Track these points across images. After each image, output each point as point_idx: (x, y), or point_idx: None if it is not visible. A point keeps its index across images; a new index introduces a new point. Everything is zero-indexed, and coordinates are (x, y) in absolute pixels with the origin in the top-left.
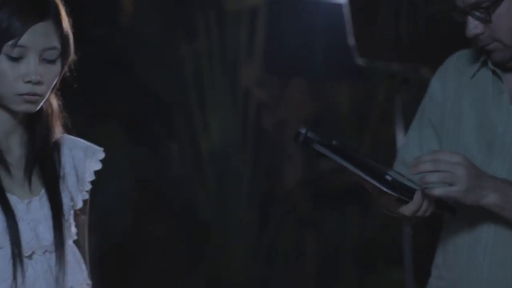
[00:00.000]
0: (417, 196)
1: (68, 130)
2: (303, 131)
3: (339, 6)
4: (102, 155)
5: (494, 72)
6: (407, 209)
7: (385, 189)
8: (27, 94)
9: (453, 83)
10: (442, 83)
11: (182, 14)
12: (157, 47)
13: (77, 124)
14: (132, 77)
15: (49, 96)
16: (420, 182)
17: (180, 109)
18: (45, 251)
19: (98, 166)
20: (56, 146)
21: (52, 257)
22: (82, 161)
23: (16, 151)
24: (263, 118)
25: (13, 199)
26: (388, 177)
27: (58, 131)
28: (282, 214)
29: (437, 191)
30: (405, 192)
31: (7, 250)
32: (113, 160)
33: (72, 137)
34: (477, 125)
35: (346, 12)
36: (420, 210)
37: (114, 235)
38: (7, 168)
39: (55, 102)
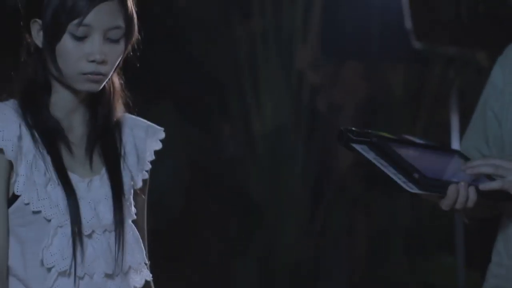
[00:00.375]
0: (451, 190)
1: (129, 109)
2: (342, 130)
3: None
4: (162, 135)
5: None
6: (443, 204)
7: (408, 189)
8: (91, 73)
9: None
10: (503, 71)
11: None
12: (211, 27)
13: (134, 106)
14: (186, 57)
15: (111, 75)
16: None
17: (234, 89)
18: (105, 230)
19: (159, 146)
20: (118, 125)
21: (112, 236)
22: (143, 140)
23: (77, 130)
24: (317, 99)
25: (74, 177)
26: (415, 175)
27: (119, 110)
28: (334, 195)
29: (494, 184)
30: (437, 188)
31: (67, 229)
32: (167, 140)
33: (133, 116)
34: None
35: None
36: (457, 203)
37: (167, 215)
38: (68, 146)
39: (117, 81)
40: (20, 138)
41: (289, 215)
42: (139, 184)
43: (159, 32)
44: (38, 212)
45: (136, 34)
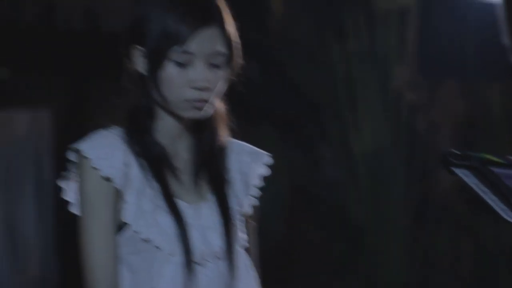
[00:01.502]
0: None
1: (233, 134)
2: (444, 154)
3: (492, 5)
4: (268, 159)
5: None
6: None
7: (508, 218)
8: (195, 100)
9: None
10: None
11: (331, 15)
12: (307, 49)
13: (236, 128)
14: (284, 79)
15: (215, 101)
16: None
17: (332, 111)
18: (216, 257)
19: (265, 170)
20: (223, 151)
21: (223, 263)
22: (248, 165)
23: (183, 156)
24: (416, 120)
25: (182, 204)
26: None
27: (224, 135)
28: (437, 216)
29: None
30: None
31: (178, 257)
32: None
33: (238, 141)
34: None
35: (500, 11)
36: None
37: (269, 238)
38: (175, 173)
39: (221, 106)
40: (127, 165)
41: (391, 237)
42: (247, 209)
43: (257, 55)
44: (148, 240)
45: (239, 59)
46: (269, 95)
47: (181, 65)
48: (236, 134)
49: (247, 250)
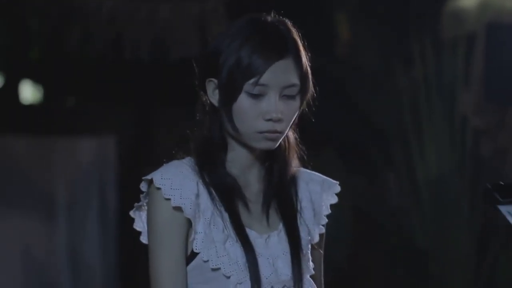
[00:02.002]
0: None
1: (303, 163)
2: (488, 188)
3: None
4: (338, 188)
5: None
6: None
7: None
8: (268, 131)
9: None
10: None
11: (398, 42)
12: (374, 75)
13: (306, 158)
14: (350, 106)
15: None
16: None
17: (397, 137)
18: (284, 286)
19: (335, 199)
20: (293, 180)
21: None
22: (318, 195)
23: (254, 186)
24: (482, 146)
25: (252, 234)
26: None
27: (295, 165)
28: (501, 243)
29: None
30: None
31: (247, 285)
32: None
33: (308, 170)
34: None
35: None
36: None
37: (334, 264)
38: (245, 203)
39: (291, 136)
40: (197, 196)
41: (455, 264)
42: (316, 238)
43: (324, 82)
44: (217, 269)
45: (311, 90)
46: (335, 121)
47: (254, 96)
48: (305, 163)
49: (313, 277)
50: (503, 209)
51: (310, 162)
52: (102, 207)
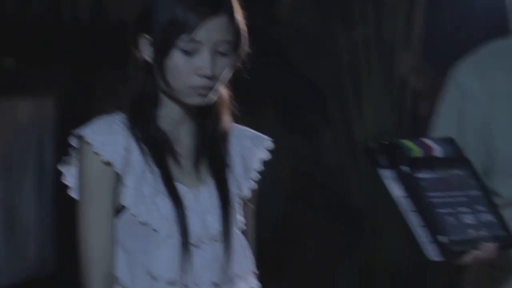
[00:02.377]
0: (480, 253)
1: (236, 119)
2: (371, 146)
3: None
4: (269, 144)
5: None
6: (468, 258)
7: (428, 254)
8: (201, 87)
9: (496, 80)
10: (480, 81)
11: (338, 2)
12: (313, 36)
13: (239, 114)
14: (289, 66)
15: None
16: None
17: (336, 97)
18: (213, 240)
19: (266, 155)
20: (225, 136)
21: (219, 246)
22: (249, 150)
23: (185, 142)
24: (420, 106)
25: (182, 188)
26: (441, 238)
27: (227, 121)
28: None
29: None
30: (459, 252)
31: (175, 239)
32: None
33: (240, 126)
34: None
35: None
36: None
37: (269, 222)
38: (176, 158)
39: (224, 92)
40: (128, 150)
41: (389, 221)
42: (246, 193)
43: (263, 43)
44: (147, 223)
45: (245, 47)
46: (273, 82)
47: (187, 53)
48: (238, 120)
49: (244, 232)
50: (384, 173)
51: (247, 120)
52: (40, 167)
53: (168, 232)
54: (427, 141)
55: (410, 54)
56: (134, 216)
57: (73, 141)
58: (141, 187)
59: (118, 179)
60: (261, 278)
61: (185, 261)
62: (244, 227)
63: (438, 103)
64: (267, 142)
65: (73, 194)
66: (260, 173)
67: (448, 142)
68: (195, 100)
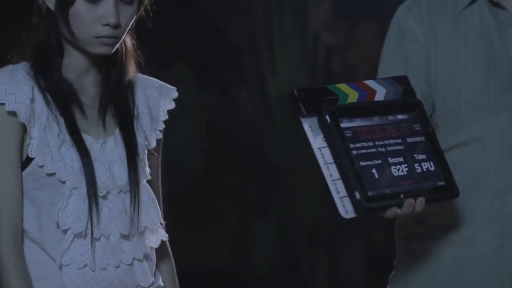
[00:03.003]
0: (402, 209)
1: (141, 69)
2: (295, 94)
3: None
4: (175, 94)
5: (495, 3)
6: (389, 213)
7: (342, 212)
8: (105, 36)
9: (434, 21)
10: (420, 22)
11: None
12: None
13: (147, 67)
14: (202, 20)
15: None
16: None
17: (249, 52)
18: (120, 191)
19: (172, 105)
20: (130, 85)
21: (127, 197)
22: (156, 100)
23: (90, 91)
24: (333, 62)
25: (88, 139)
26: (355, 194)
27: (132, 70)
28: None
29: None
30: (378, 209)
31: (82, 190)
32: (182, 102)
33: (145, 76)
34: (483, 65)
35: None
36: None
37: (184, 178)
38: (81, 108)
39: (129, 41)
40: (32, 100)
41: (307, 177)
42: (153, 144)
43: None
44: (53, 174)
45: None
46: (186, 35)
47: (91, 1)
48: (144, 70)
49: (150, 183)
50: (305, 123)
51: (162, 75)
52: None
53: (74, 182)
54: (370, 83)
55: (321, 10)
56: (40, 166)
57: None
58: (46, 137)
59: (23, 130)
60: (175, 233)
61: (93, 212)
62: (150, 177)
63: (383, 47)
64: (173, 92)
65: None
66: (175, 128)
67: (398, 82)
68: (99, 49)
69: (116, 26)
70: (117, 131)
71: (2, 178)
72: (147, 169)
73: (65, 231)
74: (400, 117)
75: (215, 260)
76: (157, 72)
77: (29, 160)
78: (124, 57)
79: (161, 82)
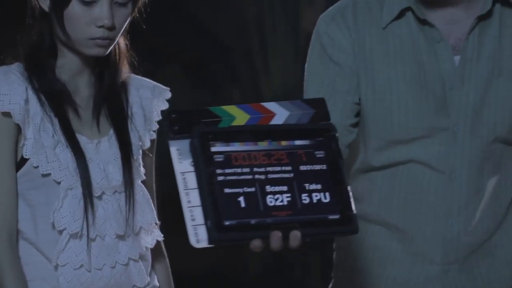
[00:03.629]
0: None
1: (134, 70)
2: (171, 115)
3: None
4: (169, 94)
5: (422, 21)
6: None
7: (193, 241)
8: (99, 38)
9: (361, 32)
10: (346, 33)
11: None
12: None
13: (140, 68)
14: (193, 21)
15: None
16: None
17: (242, 53)
18: (115, 191)
19: (165, 105)
20: (124, 86)
21: (122, 197)
22: (149, 100)
23: (84, 92)
24: None
25: (82, 139)
26: (208, 223)
27: (125, 71)
28: None
29: None
30: (237, 240)
31: (77, 191)
32: (175, 104)
33: (139, 77)
34: (415, 83)
35: None
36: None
37: (174, 175)
38: (75, 109)
39: (122, 42)
40: (27, 101)
41: None
42: (147, 144)
43: None
44: (48, 174)
45: None
46: (179, 36)
47: (86, 3)
48: (138, 70)
49: (144, 183)
50: (174, 145)
51: (154, 76)
52: None
53: (70, 183)
54: (269, 106)
55: (314, 9)
56: (35, 167)
57: None
58: (41, 137)
59: (18, 130)
60: (168, 231)
61: (88, 213)
62: (144, 177)
63: (306, 63)
64: (166, 92)
65: None
66: (160, 124)
67: (310, 105)
68: (93, 51)
69: (111, 28)
70: (111, 131)
71: None
72: (142, 169)
73: (60, 232)
74: (298, 143)
75: (208, 260)
76: (151, 72)
77: (23, 160)
78: (117, 58)
79: (155, 83)
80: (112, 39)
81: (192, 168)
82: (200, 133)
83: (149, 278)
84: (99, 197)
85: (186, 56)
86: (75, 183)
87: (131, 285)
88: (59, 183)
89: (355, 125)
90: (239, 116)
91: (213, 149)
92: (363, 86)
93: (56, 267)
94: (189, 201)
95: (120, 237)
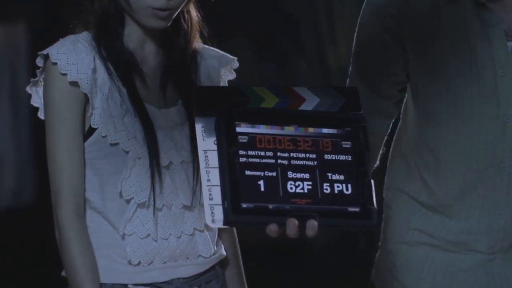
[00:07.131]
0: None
1: (204, 40)
2: (199, 89)
3: None
4: (236, 64)
5: (479, 4)
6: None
7: (209, 221)
8: (159, 9)
9: (412, 8)
10: (398, 20)
11: None
12: None
13: (207, 39)
14: None
15: (187, 7)
16: None
17: (309, 25)
18: (182, 161)
19: (232, 75)
20: (192, 56)
21: (189, 167)
22: (216, 70)
23: (151, 61)
24: None
25: (150, 108)
26: (226, 204)
27: (194, 42)
28: None
29: None
30: (254, 223)
31: (145, 160)
32: (241, 74)
33: (206, 46)
34: (465, 67)
35: None
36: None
37: None
38: (143, 78)
39: (194, 13)
40: (94, 70)
41: None
42: None
43: None
44: (116, 144)
45: None
46: (246, 8)
47: None
48: (207, 41)
49: None
50: (200, 122)
51: (220, 46)
52: (15, 94)
53: (138, 152)
54: (300, 91)
55: None
56: (103, 137)
57: (39, 61)
58: (109, 107)
59: (85, 100)
60: None
61: (155, 182)
62: None
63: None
64: (234, 62)
65: (41, 115)
66: None
67: (342, 93)
68: (153, 23)
69: None
70: (179, 101)
71: (63, 148)
72: None
73: (128, 201)
74: (325, 131)
75: None
76: (218, 43)
77: (92, 130)
78: (188, 29)
79: (222, 52)
80: (172, 9)
81: (215, 147)
82: (226, 112)
83: (215, 248)
84: (167, 167)
85: (252, 27)
86: (143, 152)
87: (196, 255)
88: (127, 152)
89: (400, 101)
90: (268, 98)
91: (238, 129)
92: (411, 61)
93: (123, 236)
94: (208, 180)
95: (187, 208)
